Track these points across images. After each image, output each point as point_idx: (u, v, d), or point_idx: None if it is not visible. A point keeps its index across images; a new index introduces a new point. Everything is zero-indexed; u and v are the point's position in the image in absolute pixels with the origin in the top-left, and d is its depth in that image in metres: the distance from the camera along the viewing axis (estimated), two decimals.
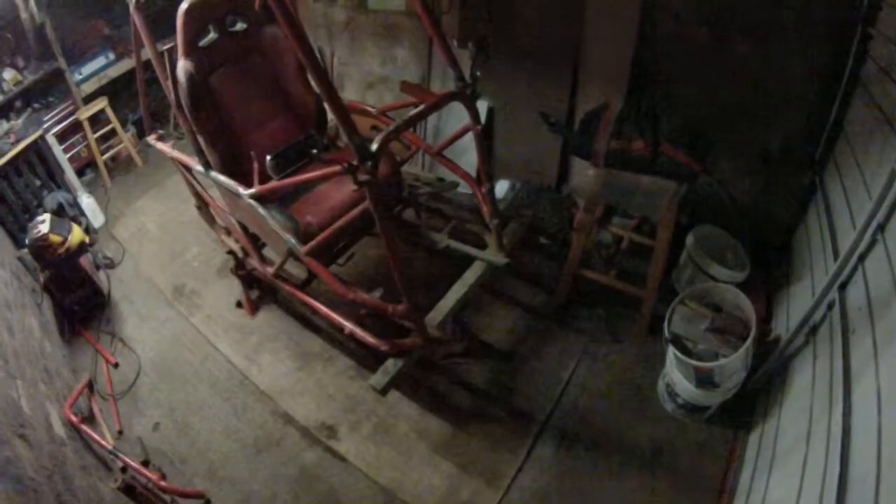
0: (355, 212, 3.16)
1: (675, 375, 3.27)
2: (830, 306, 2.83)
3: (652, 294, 3.65)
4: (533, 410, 3.49)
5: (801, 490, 2.30)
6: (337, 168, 2.43)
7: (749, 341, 3.04)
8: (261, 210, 3.10)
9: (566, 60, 4.03)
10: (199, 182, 3.75)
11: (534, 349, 3.81)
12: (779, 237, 3.85)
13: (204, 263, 4.43)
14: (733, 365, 3.06)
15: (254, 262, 3.67)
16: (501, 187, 4.44)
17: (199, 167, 3.39)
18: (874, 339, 2.24)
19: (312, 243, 3.02)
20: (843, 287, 2.75)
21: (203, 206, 4.02)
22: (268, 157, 2.73)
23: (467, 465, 3.26)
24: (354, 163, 2.34)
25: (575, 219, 3.77)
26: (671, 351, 3.24)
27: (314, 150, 2.63)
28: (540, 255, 4.34)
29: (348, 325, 3.25)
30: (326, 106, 2.36)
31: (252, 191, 3.08)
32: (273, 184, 2.95)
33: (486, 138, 3.60)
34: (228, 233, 3.90)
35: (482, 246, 3.63)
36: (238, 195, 3.16)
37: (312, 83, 3.49)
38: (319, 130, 3.71)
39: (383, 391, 3.10)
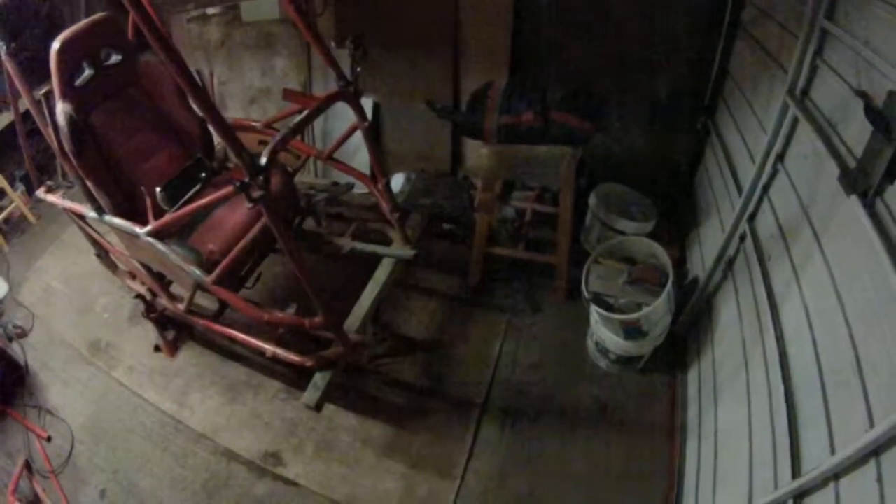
0: (254, 231, 2.95)
1: (603, 332, 3.19)
2: (742, 238, 2.84)
3: (564, 259, 3.59)
4: (470, 395, 3.36)
5: (750, 414, 2.31)
6: (229, 189, 2.24)
7: (669, 285, 3.00)
8: (160, 246, 2.84)
9: (445, 45, 3.90)
10: (94, 229, 3.43)
11: (458, 335, 3.68)
12: (680, 182, 3.82)
13: (114, 313, 4.07)
14: (658, 311, 3.01)
15: (163, 301, 3.39)
16: (397, 180, 4.25)
17: (92, 213, 3.08)
18: (792, 261, 2.24)
19: (217, 271, 2.79)
20: (751, 218, 2.77)
21: (103, 253, 3.70)
22: (157, 190, 2.45)
23: (417, 463, 3.11)
24: (245, 180, 2.14)
25: (476, 200, 3.62)
26: (594, 310, 3.15)
27: (202, 175, 2.39)
28: (446, 241, 4.20)
29: (269, 348, 3.03)
30: (211, 127, 2.11)
31: (148, 228, 2.82)
32: (168, 217, 2.71)
33: (375, 134, 3.39)
34: (133, 276, 3.59)
35: (387, 242, 3.47)
36: (135, 235, 2.89)
37: (194, 106, 3.25)
38: (207, 154, 3.43)
39: (317, 407, 2.91)
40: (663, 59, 3.58)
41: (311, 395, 2.89)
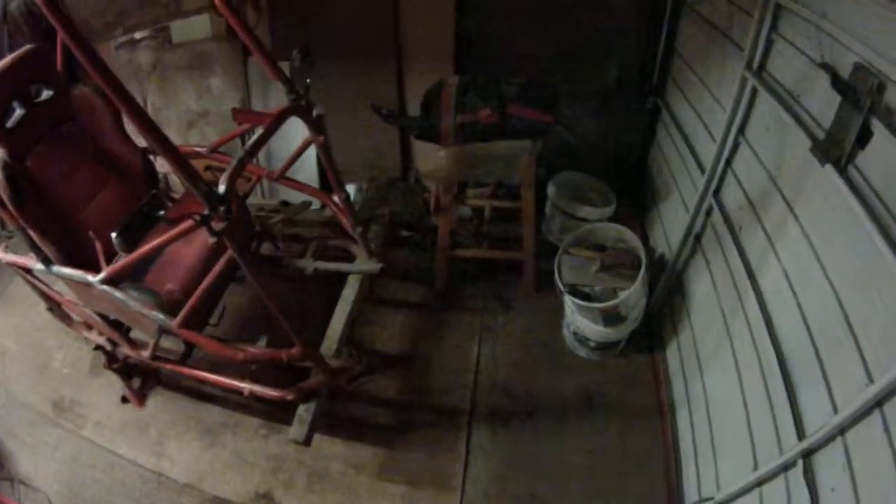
0: (219, 266, 2.71)
1: (582, 322, 3.14)
2: (708, 213, 2.85)
3: (530, 253, 3.51)
4: (456, 403, 3.26)
5: (741, 381, 2.32)
6: (188, 224, 2.07)
7: (644, 268, 2.98)
8: (117, 294, 2.62)
9: (386, 47, 3.76)
10: (43, 281, 3.15)
11: (433, 343, 3.55)
12: (633, 164, 3.79)
13: (74, 367, 3.78)
14: (636, 294, 3.01)
15: (125, 350, 3.14)
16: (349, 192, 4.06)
17: (38, 265, 2.81)
18: (765, 230, 2.26)
19: (183, 314, 2.58)
20: (716, 192, 2.76)
21: (54, 306, 3.41)
22: (113, 235, 2.24)
23: (415, 481, 2.99)
24: (205, 213, 1.98)
25: (432, 203, 3.56)
26: (570, 301, 3.09)
27: (161, 212, 2.18)
28: (406, 248, 4.02)
29: (246, 387, 2.86)
30: (162, 157, 1.93)
31: (101, 276, 2.58)
32: (121, 262, 2.49)
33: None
34: (90, 327, 3.32)
35: (350, 258, 3.31)
36: (88, 284, 2.65)
37: (134, 136, 3.03)
38: (150, 185, 3.21)
39: (306, 441, 2.75)
40: (609, 45, 3.54)
41: (297, 430, 2.73)
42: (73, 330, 3.44)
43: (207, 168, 3.23)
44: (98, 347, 3.27)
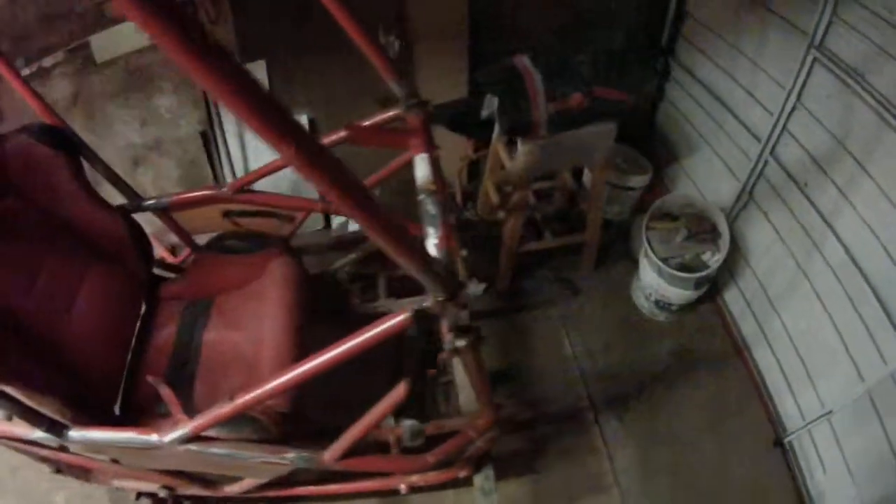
0: (395, 399, 1.42)
1: (671, 291, 2.64)
2: (761, 171, 2.51)
3: (597, 234, 2.84)
4: (573, 403, 2.61)
5: (828, 311, 2.15)
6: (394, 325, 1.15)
7: (728, 229, 2.55)
8: (215, 450, 1.46)
9: (387, 31, 2.66)
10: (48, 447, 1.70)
11: (523, 349, 2.78)
12: (642, 124, 3.31)
13: (88, 501, 2.29)
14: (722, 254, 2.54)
15: (197, 491, 1.94)
16: None
17: (42, 433, 1.45)
18: (836, 185, 2.08)
19: (343, 446, 1.47)
20: (772, 151, 2.42)
21: (64, 467, 1.96)
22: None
23: (572, 495, 2.37)
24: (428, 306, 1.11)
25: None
26: (666, 273, 2.57)
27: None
28: None
29: (402, 484, 1.88)
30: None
31: (183, 431, 1.39)
32: (219, 412, 1.34)
33: None
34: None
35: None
36: (153, 447, 1.44)
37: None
38: (144, 256, 1.94)
39: None
40: (614, 8, 2.90)
41: None
42: (97, 483, 2.05)
43: (226, 215, 2.10)
44: (142, 495, 2.02)
